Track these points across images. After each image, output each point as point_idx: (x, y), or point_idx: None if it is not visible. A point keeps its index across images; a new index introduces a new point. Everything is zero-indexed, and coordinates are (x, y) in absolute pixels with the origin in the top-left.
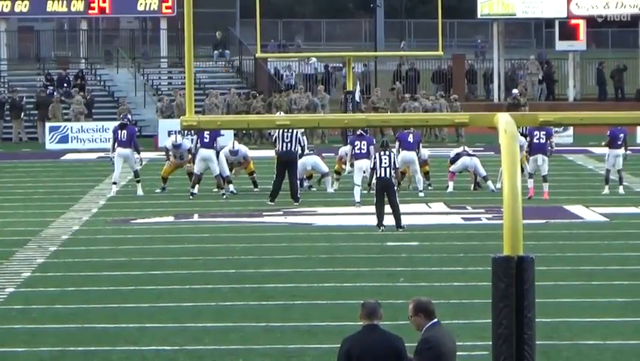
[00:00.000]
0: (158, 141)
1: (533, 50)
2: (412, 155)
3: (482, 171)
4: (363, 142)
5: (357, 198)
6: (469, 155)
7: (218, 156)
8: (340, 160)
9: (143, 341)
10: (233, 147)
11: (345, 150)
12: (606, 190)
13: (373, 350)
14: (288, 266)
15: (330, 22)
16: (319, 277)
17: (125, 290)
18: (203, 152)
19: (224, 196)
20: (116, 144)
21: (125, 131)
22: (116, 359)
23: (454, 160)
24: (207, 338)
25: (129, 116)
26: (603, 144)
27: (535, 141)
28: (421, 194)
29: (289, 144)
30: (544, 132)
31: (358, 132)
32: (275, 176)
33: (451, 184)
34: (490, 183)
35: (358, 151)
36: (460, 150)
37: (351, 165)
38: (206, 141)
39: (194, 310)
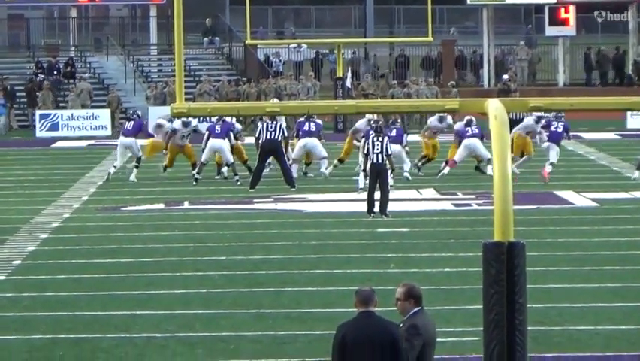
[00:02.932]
0: (149, 127)
1: (523, 35)
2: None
3: (485, 153)
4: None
5: (361, 185)
6: (473, 135)
7: (232, 148)
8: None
9: (134, 328)
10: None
11: (362, 122)
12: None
13: (369, 336)
14: (278, 253)
15: (319, 8)
16: (310, 263)
17: (115, 277)
18: (215, 142)
19: (239, 183)
20: (121, 134)
21: (132, 122)
22: (106, 346)
23: (460, 133)
24: (198, 325)
25: (139, 112)
26: None
27: (552, 129)
28: (406, 173)
29: (273, 133)
30: (562, 123)
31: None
32: (257, 163)
33: (447, 169)
34: (489, 167)
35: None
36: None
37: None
38: (218, 132)
39: (184, 297)
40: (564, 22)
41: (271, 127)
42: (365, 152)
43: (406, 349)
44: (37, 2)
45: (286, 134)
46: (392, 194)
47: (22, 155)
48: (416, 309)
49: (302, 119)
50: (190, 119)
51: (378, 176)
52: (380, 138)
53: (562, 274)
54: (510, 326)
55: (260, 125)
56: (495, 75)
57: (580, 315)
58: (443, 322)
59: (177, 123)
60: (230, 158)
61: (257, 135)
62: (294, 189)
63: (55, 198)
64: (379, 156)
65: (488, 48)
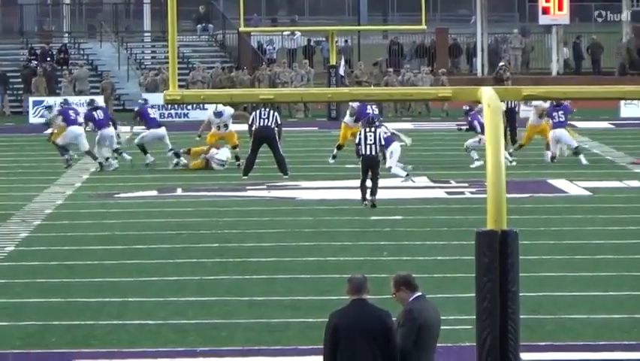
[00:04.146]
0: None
1: (517, 23)
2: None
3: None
4: None
5: (476, 163)
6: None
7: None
8: None
9: (127, 315)
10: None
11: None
12: None
13: (361, 324)
14: (271, 240)
15: None
16: (303, 251)
17: (108, 264)
18: (106, 132)
19: (105, 167)
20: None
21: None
22: (99, 333)
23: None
24: (191, 312)
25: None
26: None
27: None
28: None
29: (266, 120)
30: None
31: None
32: (250, 151)
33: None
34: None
35: None
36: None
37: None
38: (74, 119)
39: (177, 284)
40: (558, 11)
41: (264, 114)
42: (357, 142)
43: (402, 333)
44: None
45: (279, 122)
46: (385, 181)
47: (15, 141)
48: (415, 295)
49: (356, 103)
50: (222, 108)
51: (369, 167)
52: (372, 129)
53: (555, 263)
54: (503, 315)
55: (253, 112)
56: (489, 63)
57: (573, 304)
58: None
59: (209, 113)
60: (87, 145)
61: (250, 123)
62: (287, 177)
63: (48, 185)
64: (372, 147)
65: (482, 36)
